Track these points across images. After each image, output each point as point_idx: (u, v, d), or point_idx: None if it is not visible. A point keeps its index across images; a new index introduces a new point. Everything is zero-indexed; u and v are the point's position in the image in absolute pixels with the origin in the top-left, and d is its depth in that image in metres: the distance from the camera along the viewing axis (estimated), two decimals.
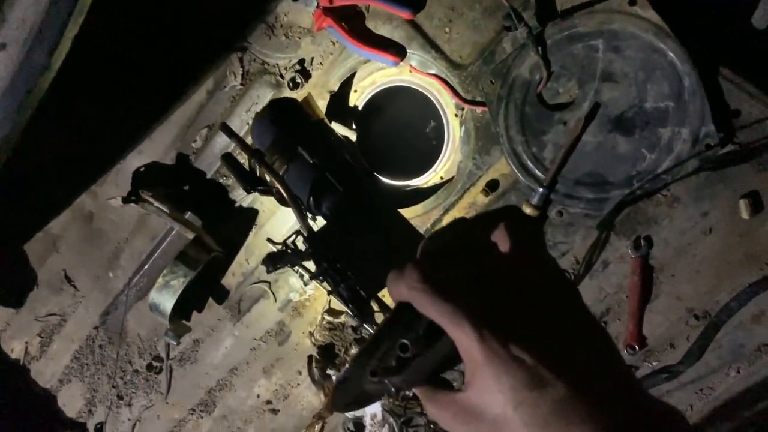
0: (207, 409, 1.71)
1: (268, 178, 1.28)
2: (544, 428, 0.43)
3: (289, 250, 1.32)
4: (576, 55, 1.18)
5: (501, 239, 0.52)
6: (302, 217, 1.22)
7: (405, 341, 0.51)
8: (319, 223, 1.34)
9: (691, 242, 1.22)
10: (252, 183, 1.28)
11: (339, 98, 1.43)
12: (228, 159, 1.30)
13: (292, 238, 1.33)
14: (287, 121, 1.29)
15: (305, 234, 1.22)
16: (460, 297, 0.47)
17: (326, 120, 1.39)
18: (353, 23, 1.33)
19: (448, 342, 0.49)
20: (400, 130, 1.48)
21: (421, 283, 0.49)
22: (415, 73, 1.36)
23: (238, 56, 1.44)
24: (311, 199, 1.25)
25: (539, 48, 1.18)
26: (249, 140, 1.37)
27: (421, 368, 0.51)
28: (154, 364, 1.72)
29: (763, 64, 1.16)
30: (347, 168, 1.29)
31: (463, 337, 0.46)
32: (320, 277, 1.22)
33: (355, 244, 1.21)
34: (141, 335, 1.71)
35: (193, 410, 1.72)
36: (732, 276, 1.20)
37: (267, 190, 1.29)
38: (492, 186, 1.32)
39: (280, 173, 1.25)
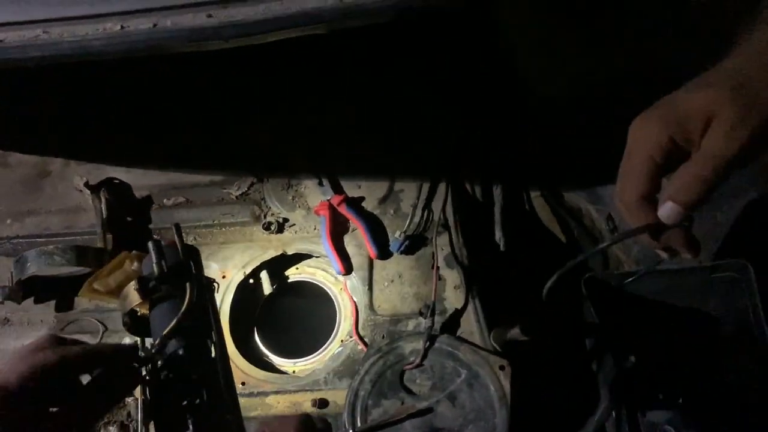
0: None
1: None
2: None
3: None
4: (445, 367, 1.48)
5: None
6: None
7: None
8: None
9: None
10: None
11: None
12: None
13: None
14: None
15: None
16: None
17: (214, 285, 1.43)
18: (337, 229, 1.67)
19: None
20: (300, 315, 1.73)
21: None
22: (343, 289, 1.66)
23: (253, 180, 1.77)
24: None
25: (427, 342, 1.49)
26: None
27: None
28: None
29: None
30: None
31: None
32: None
33: None
34: None
35: None
36: None
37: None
38: (322, 404, 1.52)
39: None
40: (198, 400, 0.71)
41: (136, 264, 1.14)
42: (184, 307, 0.90)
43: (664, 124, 0.64)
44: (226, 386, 0.89)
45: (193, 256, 1.03)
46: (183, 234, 1.04)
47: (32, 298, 1.68)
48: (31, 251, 1.57)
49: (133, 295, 0.96)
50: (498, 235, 1.66)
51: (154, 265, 0.95)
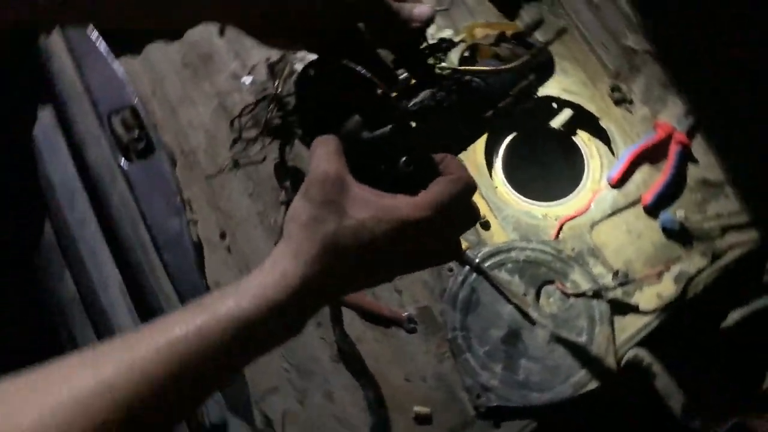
0: None
1: None
2: None
3: None
4: (577, 318, 1.47)
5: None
6: None
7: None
8: None
9: None
10: None
11: None
12: None
13: None
14: None
15: None
16: None
17: None
18: (647, 154, 1.58)
19: None
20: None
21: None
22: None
23: None
24: None
25: (589, 293, 1.46)
26: None
27: None
28: None
29: None
30: None
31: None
32: None
33: None
34: None
35: None
36: None
37: None
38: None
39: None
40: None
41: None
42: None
43: None
44: None
45: None
46: None
47: None
48: None
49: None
50: None
51: None
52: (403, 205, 0.61)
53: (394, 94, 0.72)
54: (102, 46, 1.20)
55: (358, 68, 0.65)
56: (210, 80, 1.74)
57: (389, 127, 0.64)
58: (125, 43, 1.66)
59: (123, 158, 1.17)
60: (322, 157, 0.62)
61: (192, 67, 1.76)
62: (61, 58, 1.23)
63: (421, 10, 0.72)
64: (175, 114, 1.72)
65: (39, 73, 1.22)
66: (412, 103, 0.72)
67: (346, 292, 0.65)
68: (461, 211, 0.66)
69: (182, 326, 0.54)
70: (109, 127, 1.20)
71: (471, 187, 0.66)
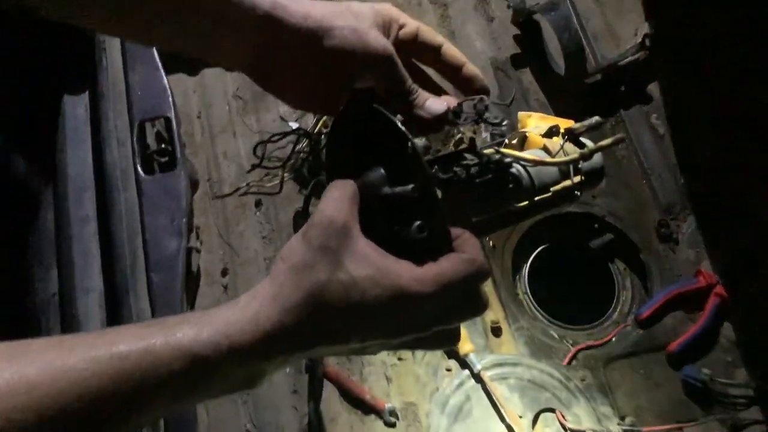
0: None
1: None
2: None
3: None
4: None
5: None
6: None
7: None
8: None
9: None
10: None
11: None
12: None
13: None
14: None
15: None
16: None
17: None
18: (690, 304, 1.47)
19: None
20: None
21: None
22: None
23: None
24: None
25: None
26: None
27: None
28: None
29: None
30: None
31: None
32: None
33: None
34: None
35: None
36: None
37: None
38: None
39: None
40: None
41: None
42: None
43: None
44: None
45: None
46: None
47: None
48: None
49: None
50: None
51: None
52: (405, 273, 0.54)
53: (428, 156, 0.66)
54: (155, 54, 1.19)
55: (393, 117, 0.59)
56: (257, 116, 1.72)
57: (410, 186, 0.57)
58: (184, 60, 1.65)
59: (141, 168, 1.14)
60: (334, 200, 0.56)
61: (243, 100, 1.74)
62: (112, 55, 1.22)
63: (432, 105, 0.66)
64: (214, 141, 1.69)
65: (88, 60, 1.21)
66: (443, 170, 0.65)
67: (321, 353, 0.58)
68: (467, 295, 0.58)
69: (131, 343, 0.49)
70: (138, 133, 1.17)
71: (483, 272, 0.58)
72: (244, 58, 0.64)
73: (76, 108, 1.25)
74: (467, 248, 0.59)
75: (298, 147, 1.48)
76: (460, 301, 0.58)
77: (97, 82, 1.22)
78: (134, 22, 0.61)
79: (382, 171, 0.60)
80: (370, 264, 0.53)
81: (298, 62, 0.63)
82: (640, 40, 1.66)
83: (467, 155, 0.68)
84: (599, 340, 1.44)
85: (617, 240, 1.55)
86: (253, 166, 1.61)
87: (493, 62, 1.82)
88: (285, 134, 1.57)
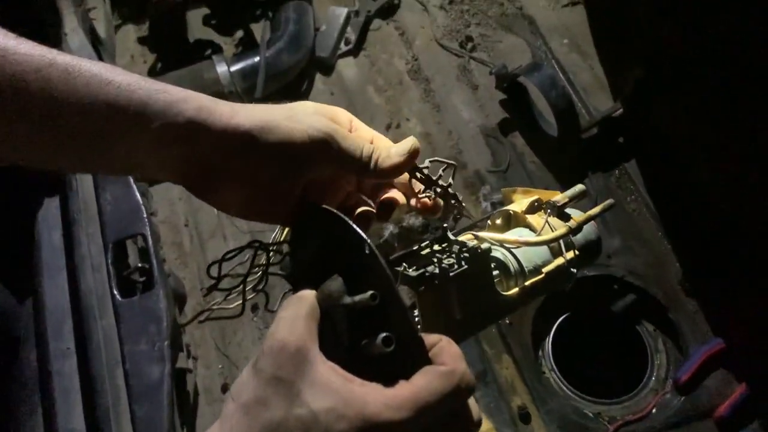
0: None
1: None
2: None
3: None
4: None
5: None
6: None
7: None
8: None
9: None
10: None
11: None
12: None
13: None
14: None
15: None
16: None
17: None
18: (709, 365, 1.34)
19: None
20: None
21: None
22: None
23: None
24: None
25: None
26: None
27: None
28: None
29: None
30: None
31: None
32: None
33: None
34: None
35: None
36: None
37: None
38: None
39: None
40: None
41: None
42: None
43: None
44: None
45: None
46: None
47: None
48: None
49: None
50: None
51: None
52: (372, 399, 0.45)
53: (394, 255, 0.57)
54: None
55: (347, 218, 0.51)
56: None
57: (369, 293, 0.48)
58: None
59: (118, 291, 1.07)
60: (284, 321, 0.48)
61: None
62: (82, 176, 1.18)
63: (402, 145, 0.57)
64: (204, 248, 1.63)
65: (58, 188, 1.17)
66: (414, 267, 0.56)
67: None
68: (450, 417, 0.49)
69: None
70: (114, 254, 1.11)
71: (465, 385, 0.48)
72: (173, 169, 0.57)
73: (51, 235, 1.20)
74: (445, 358, 0.49)
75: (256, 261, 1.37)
76: (442, 425, 0.48)
77: (68, 207, 1.17)
78: (41, 147, 0.55)
79: (341, 279, 0.52)
80: (332, 392, 0.45)
81: (233, 166, 0.56)
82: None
83: (438, 246, 0.60)
84: (638, 414, 1.31)
85: (641, 300, 1.44)
86: (209, 290, 1.53)
87: (483, 130, 1.76)
88: (240, 249, 1.49)
